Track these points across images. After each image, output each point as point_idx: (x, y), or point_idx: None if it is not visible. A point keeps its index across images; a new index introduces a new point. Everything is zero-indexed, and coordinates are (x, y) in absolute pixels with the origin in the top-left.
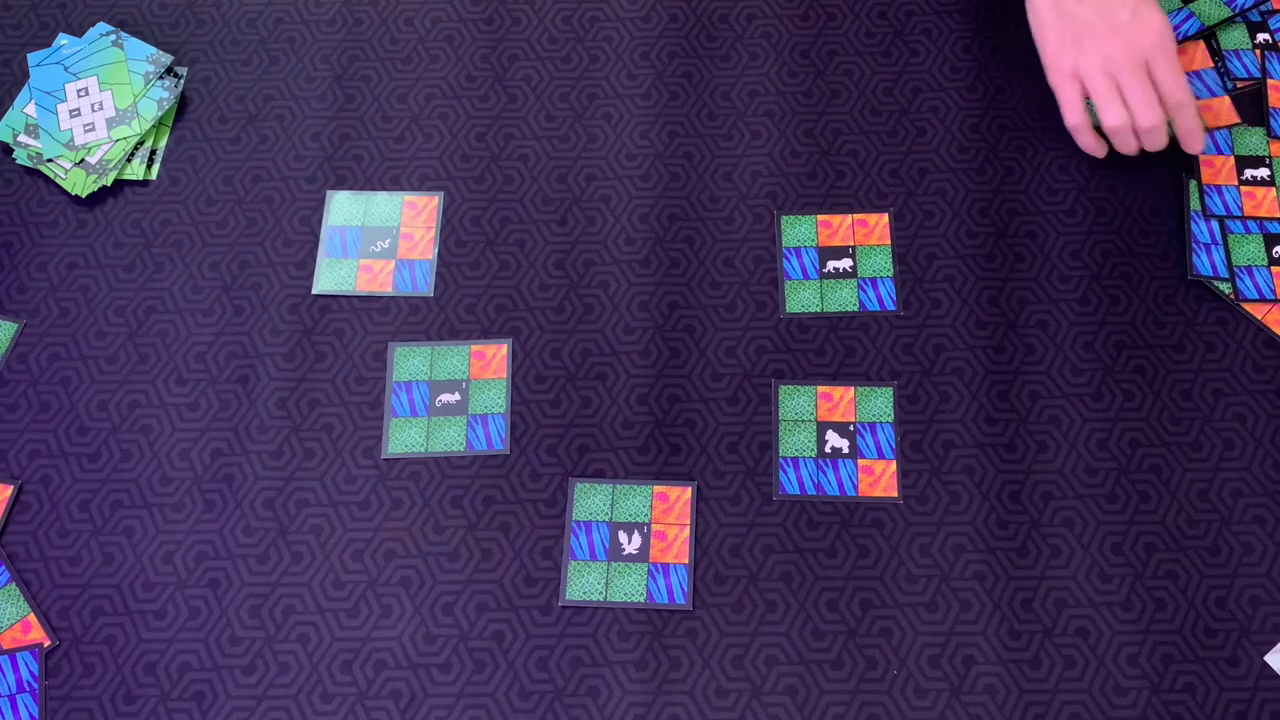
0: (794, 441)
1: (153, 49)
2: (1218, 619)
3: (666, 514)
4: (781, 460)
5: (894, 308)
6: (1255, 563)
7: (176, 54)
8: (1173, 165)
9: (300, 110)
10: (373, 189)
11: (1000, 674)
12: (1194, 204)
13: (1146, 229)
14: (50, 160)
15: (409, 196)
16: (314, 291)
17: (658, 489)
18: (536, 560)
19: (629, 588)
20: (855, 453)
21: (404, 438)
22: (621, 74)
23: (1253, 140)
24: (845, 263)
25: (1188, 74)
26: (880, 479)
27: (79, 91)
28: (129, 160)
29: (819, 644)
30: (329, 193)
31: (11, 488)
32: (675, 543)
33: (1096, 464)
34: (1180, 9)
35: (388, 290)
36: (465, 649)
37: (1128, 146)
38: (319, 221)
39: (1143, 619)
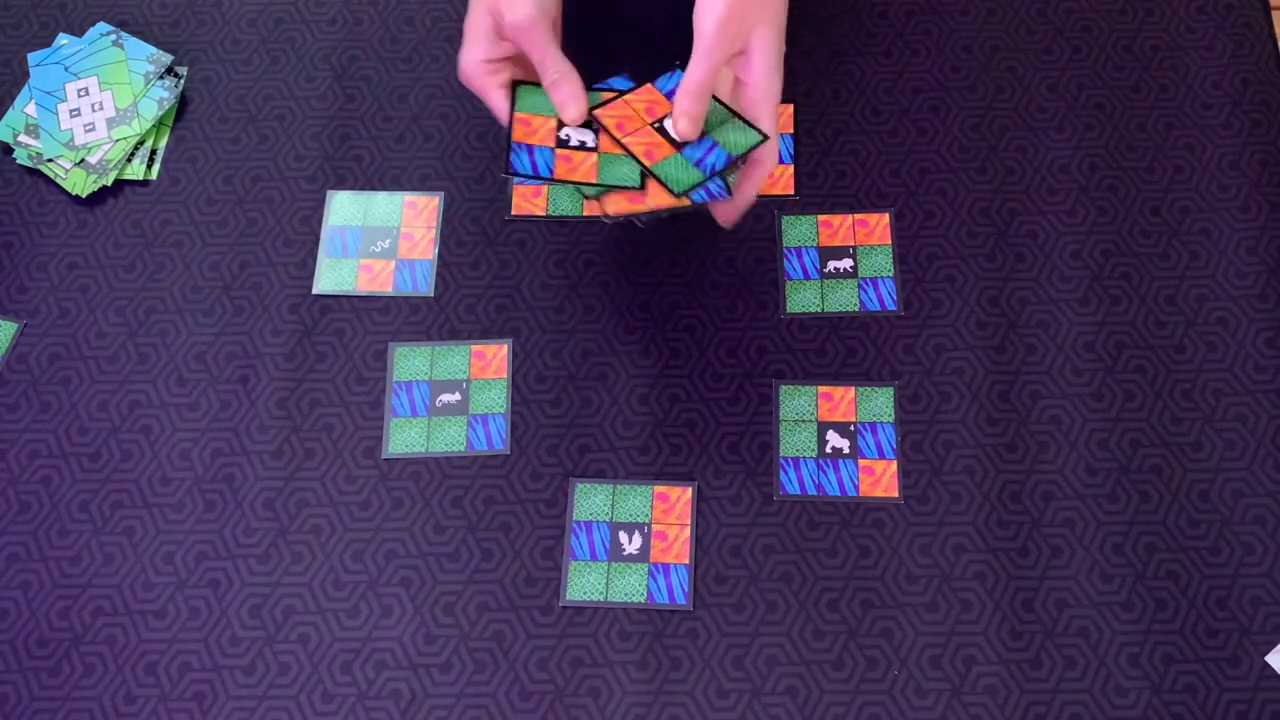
0: (794, 442)
1: (153, 49)
2: (1218, 619)
3: (667, 514)
4: (782, 460)
5: (895, 308)
6: (1256, 563)
7: (176, 54)
8: (1171, 164)
9: (300, 110)
10: (373, 189)
11: (1001, 674)
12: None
13: (1147, 229)
14: (50, 160)
15: (409, 196)
16: (314, 291)
17: (658, 489)
18: (537, 560)
19: (629, 588)
20: (856, 453)
21: (404, 438)
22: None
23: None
24: (846, 263)
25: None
26: (881, 479)
27: (79, 91)
28: (129, 160)
29: (820, 644)
30: (329, 193)
31: None
32: (676, 543)
33: (1097, 464)
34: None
35: (388, 290)
36: (466, 649)
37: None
38: (319, 221)
39: (1143, 619)
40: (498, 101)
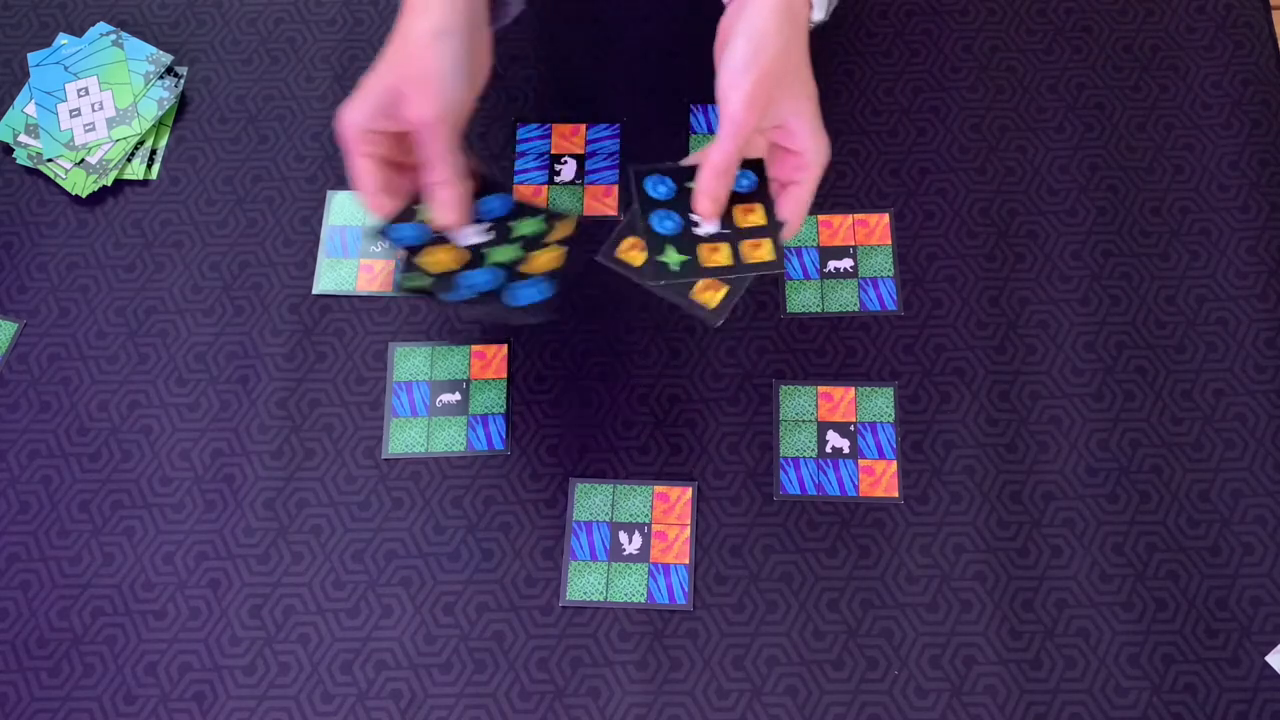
0: (795, 441)
1: (153, 49)
2: (1218, 619)
3: (667, 514)
4: (782, 460)
5: (895, 308)
6: (1256, 563)
7: (176, 54)
8: (1172, 166)
9: (300, 110)
10: None
11: (1001, 674)
12: None
13: (1147, 229)
14: (50, 160)
15: None
16: (314, 291)
17: (658, 489)
18: (537, 560)
19: (629, 588)
20: (856, 453)
21: (404, 438)
22: (623, 75)
23: None
24: (846, 262)
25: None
26: (881, 479)
27: (79, 91)
28: (129, 160)
29: (820, 644)
30: (329, 193)
31: None
32: (676, 543)
33: (1097, 464)
34: None
35: (388, 290)
36: (466, 649)
37: None
38: (319, 221)
39: (1143, 619)
40: (359, 170)
